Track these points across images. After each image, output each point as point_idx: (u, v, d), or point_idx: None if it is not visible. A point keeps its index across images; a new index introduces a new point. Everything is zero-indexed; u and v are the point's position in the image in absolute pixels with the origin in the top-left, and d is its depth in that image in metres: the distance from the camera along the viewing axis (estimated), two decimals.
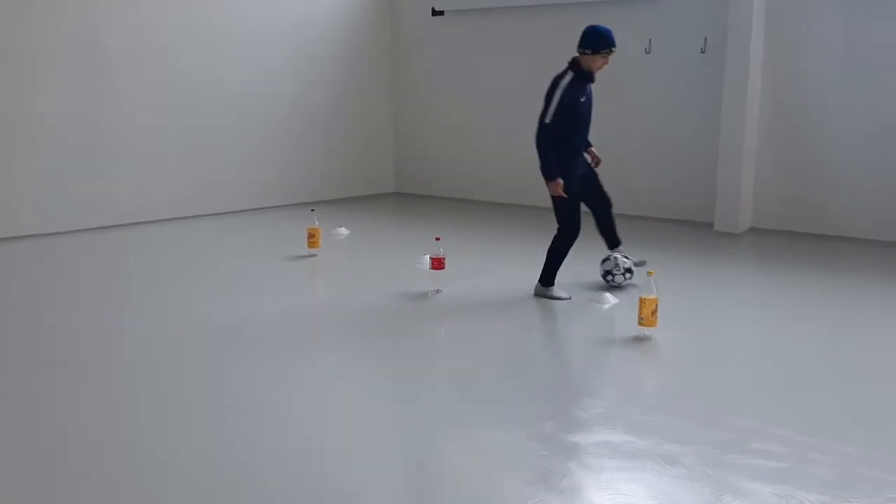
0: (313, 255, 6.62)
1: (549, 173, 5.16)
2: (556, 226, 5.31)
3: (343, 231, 7.62)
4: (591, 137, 5.59)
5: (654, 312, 4.51)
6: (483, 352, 4.47)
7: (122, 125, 7.91)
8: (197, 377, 4.06)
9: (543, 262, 5.39)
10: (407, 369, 4.28)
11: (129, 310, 5.30)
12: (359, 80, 9.89)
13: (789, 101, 7.67)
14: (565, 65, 5.28)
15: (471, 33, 9.54)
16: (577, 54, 5.25)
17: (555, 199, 5.25)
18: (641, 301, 4.52)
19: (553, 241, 5.35)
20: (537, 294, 5.41)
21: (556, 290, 5.37)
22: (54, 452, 3.24)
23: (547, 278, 5.38)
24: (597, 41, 5.19)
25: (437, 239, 5.58)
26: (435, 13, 9.67)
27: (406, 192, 10.37)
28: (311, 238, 6.64)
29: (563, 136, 5.23)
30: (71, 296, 5.66)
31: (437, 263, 5.51)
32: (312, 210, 6.98)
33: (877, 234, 7.28)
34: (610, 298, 5.32)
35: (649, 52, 8.16)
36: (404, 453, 3.32)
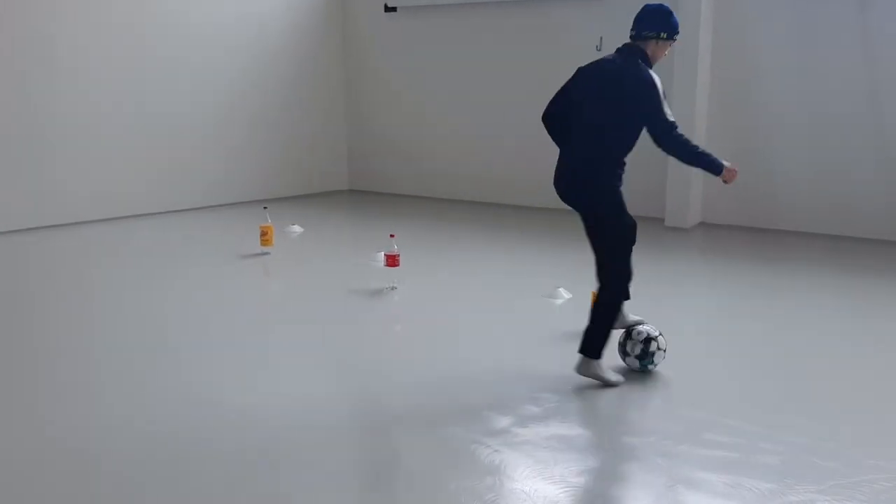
0: (266, 254, 6.55)
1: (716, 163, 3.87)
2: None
3: (296, 229, 7.55)
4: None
5: None
6: (437, 348, 4.47)
7: (67, 123, 7.72)
8: (147, 375, 3.98)
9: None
10: (361, 366, 4.26)
11: (73, 309, 5.18)
12: (312, 77, 9.81)
13: (737, 98, 7.82)
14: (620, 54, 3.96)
15: (424, 30, 9.53)
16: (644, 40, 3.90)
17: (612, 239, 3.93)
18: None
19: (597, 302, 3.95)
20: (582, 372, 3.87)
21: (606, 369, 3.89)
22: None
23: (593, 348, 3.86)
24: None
25: (392, 236, 5.57)
26: (388, 9, 9.64)
27: (360, 189, 10.32)
28: (264, 236, 6.56)
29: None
30: (9, 296, 5.51)
31: (392, 260, 5.50)
32: (265, 208, 6.90)
33: (822, 229, 7.48)
34: (563, 294, 5.36)
35: (600, 50, 8.23)
36: (358, 450, 3.30)
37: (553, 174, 3.99)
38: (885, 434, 3.37)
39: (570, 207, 4.01)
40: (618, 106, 3.82)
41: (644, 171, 8.31)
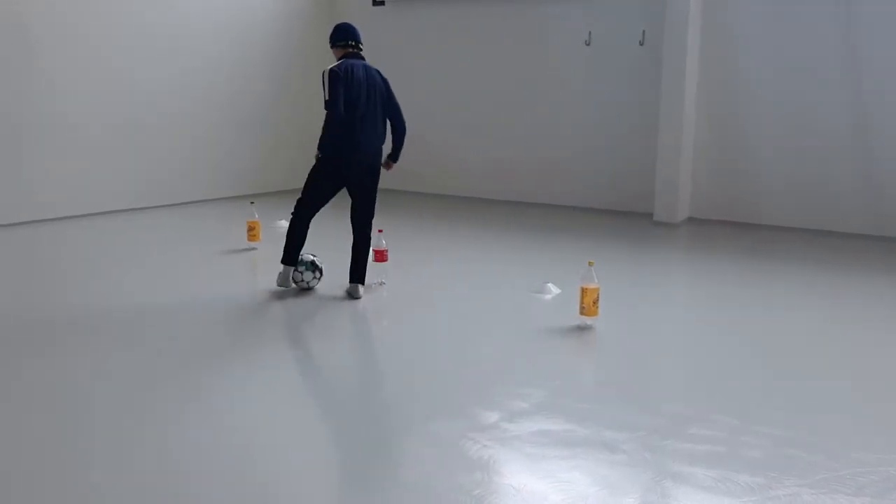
0: (253, 249, 6.53)
1: None
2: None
3: (283, 224, 7.50)
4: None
5: (595, 302, 4.57)
6: (425, 343, 4.47)
7: (53, 117, 7.64)
8: (125, 375, 3.96)
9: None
10: (348, 361, 4.25)
11: (55, 303, 5.14)
12: (298, 72, 9.77)
13: (726, 95, 7.85)
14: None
15: (411, 24, 9.52)
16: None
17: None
18: (583, 290, 4.57)
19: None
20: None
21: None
22: None
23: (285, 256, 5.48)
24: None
25: (380, 231, 5.55)
26: (376, 3, 9.61)
27: None
28: (251, 231, 6.54)
29: None
30: None
31: (380, 255, 5.49)
32: (252, 203, 6.88)
33: (806, 224, 7.55)
34: (552, 289, 5.37)
35: (589, 45, 8.24)
36: (346, 447, 3.29)
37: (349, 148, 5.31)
38: (869, 427, 3.39)
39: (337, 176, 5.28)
40: (381, 97, 5.64)
41: (634, 167, 8.38)
